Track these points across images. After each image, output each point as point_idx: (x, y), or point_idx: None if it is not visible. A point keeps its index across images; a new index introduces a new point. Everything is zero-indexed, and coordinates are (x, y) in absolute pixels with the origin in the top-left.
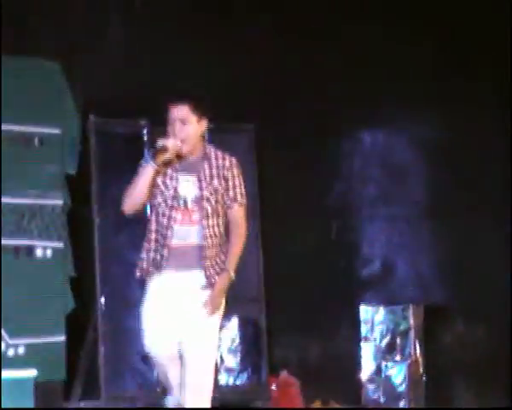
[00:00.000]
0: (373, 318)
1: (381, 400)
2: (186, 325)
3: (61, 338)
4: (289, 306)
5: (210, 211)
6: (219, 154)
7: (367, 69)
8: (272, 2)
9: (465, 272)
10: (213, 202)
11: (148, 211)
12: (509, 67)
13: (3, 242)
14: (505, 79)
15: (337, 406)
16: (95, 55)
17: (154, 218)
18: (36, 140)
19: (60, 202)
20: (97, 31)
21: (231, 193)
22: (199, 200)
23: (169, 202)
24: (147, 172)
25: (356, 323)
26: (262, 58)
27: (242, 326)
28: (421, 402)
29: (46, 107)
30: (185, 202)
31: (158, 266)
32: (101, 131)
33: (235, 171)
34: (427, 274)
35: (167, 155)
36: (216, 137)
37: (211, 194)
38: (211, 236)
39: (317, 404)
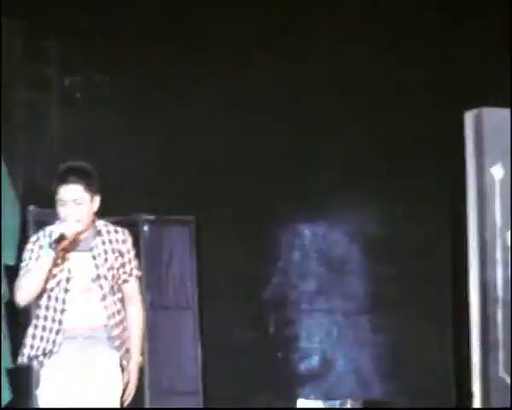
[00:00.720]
0: None
1: None
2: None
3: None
4: (228, 399)
5: (108, 289)
6: (111, 228)
7: (309, 161)
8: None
9: (404, 366)
10: (110, 279)
11: None
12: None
13: None
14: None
15: None
16: (35, 144)
17: (44, 303)
18: None
19: None
20: (37, 119)
21: (127, 267)
22: (96, 279)
23: (63, 284)
24: (45, 262)
25: None
26: (199, 144)
27: None
28: None
29: None
30: (81, 283)
31: (48, 353)
32: (40, 221)
33: (129, 244)
34: (365, 368)
35: (66, 242)
36: (156, 228)
37: (108, 271)
38: (114, 314)
39: None
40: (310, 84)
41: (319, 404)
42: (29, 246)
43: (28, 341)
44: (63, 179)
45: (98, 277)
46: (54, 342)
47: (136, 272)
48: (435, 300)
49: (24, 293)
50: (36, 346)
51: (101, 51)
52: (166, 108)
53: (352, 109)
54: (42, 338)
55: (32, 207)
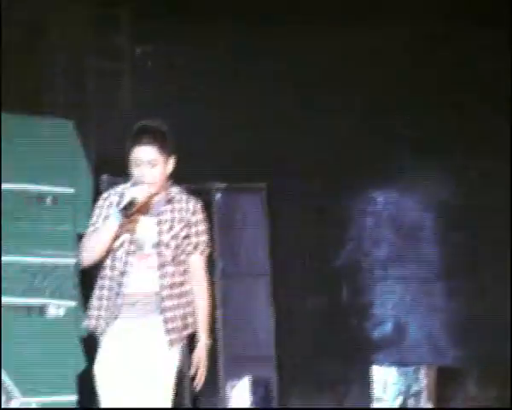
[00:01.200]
0: (385, 379)
1: None
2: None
3: (73, 398)
4: (302, 367)
5: (169, 258)
6: (184, 196)
7: (381, 129)
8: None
9: (478, 333)
10: (173, 249)
11: None
12: None
13: (16, 300)
14: None
15: None
16: (107, 114)
17: (109, 263)
18: (48, 199)
19: (72, 261)
20: (109, 89)
21: (193, 239)
22: (157, 245)
23: (126, 246)
24: (113, 225)
25: (368, 384)
26: (273, 116)
27: (254, 386)
28: None
29: (59, 166)
30: (143, 247)
31: (111, 315)
32: None
33: (199, 216)
34: (439, 335)
35: (136, 207)
36: (228, 196)
37: (171, 239)
38: (170, 286)
39: None
40: (379, 55)
41: (393, 371)
42: (99, 203)
43: (94, 302)
44: (138, 140)
45: (159, 243)
46: (115, 305)
47: (202, 248)
48: (509, 265)
49: (89, 253)
50: (103, 307)
51: (172, 20)
52: (237, 77)
53: (420, 77)
54: (105, 299)
55: (104, 177)
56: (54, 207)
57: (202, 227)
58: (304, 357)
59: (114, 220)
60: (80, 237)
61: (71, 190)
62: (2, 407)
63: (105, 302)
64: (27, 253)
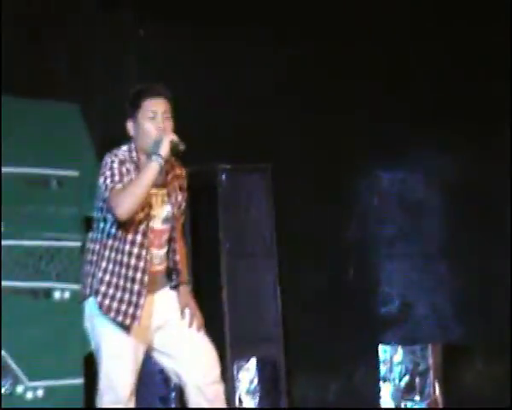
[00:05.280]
0: (392, 358)
1: None
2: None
3: (80, 381)
4: (308, 346)
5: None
6: (174, 162)
7: (384, 107)
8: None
9: (484, 309)
10: (177, 218)
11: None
12: None
13: (21, 284)
14: None
15: None
16: (111, 96)
17: (128, 238)
18: (54, 182)
19: (77, 244)
20: (113, 71)
21: (183, 205)
22: (169, 219)
23: (143, 221)
24: (153, 168)
25: (374, 363)
26: (276, 95)
27: (261, 367)
28: None
29: (64, 149)
30: (156, 221)
31: (134, 296)
32: None
33: (185, 181)
34: (445, 313)
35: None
36: (233, 177)
37: (177, 209)
38: (173, 255)
39: None
40: (391, 26)
41: (399, 348)
42: (115, 164)
43: (107, 277)
44: (151, 92)
45: (172, 216)
46: (141, 282)
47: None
48: None
49: (129, 204)
50: (120, 286)
51: None
52: (242, 54)
53: (426, 53)
54: (123, 277)
55: None
56: (59, 190)
57: (185, 192)
58: (310, 336)
59: (155, 166)
60: (87, 219)
61: (76, 174)
62: (10, 391)
63: (122, 282)
64: (32, 236)
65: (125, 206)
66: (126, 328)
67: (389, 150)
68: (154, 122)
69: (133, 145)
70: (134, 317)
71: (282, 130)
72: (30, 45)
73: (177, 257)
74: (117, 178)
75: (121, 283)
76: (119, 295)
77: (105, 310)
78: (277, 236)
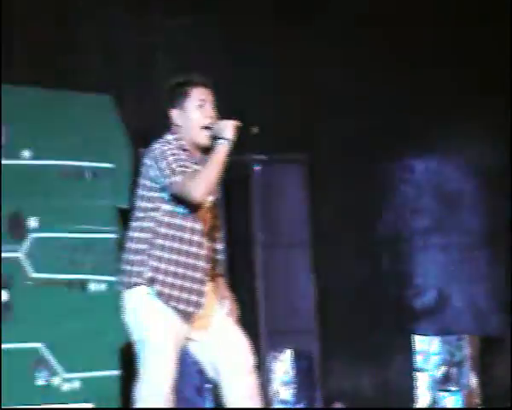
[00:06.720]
0: (428, 348)
1: None
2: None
3: (116, 372)
4: (343, 337)
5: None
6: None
7: (420, 97)
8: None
9: None
10: None
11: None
12: None
13: (57, 277)
14: None
15: None
16: (145, 88)
17: (182, 225)
18: (88, 174)
19: (112, 236)
20: (146, 63)
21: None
22: (212, 206)
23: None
24: (223, 152)
25: (410, 353)
26: (314, 86)
27: (296, 358)
28: None
29: (98, 141)
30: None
31: (197, 282)
32: None
33: None
34: (482, 304)
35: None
36: (267, 167)
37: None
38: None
39: None
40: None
41: (435, 340)
42: (175, 151)
43: (174, 282)
44: (200, 81)
45: (213, 202)
46: (201, 281)
47: None
48: None
49: (205, 189)
50: (179, 274)
51: None
52: (274, 46)
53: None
54: (188, 278)
55: (143, 150)
56: (93, 182)
57: None
58: (346, 327)
59: (224, 149)
60: (121, 211)
61: (110, 165)
62: (45, 382)
63: (181, 270)
64: (68, 229)
65: (201, 190)
66: (188, 316)
67: (425, 140)
68: (203, 111)
69: (178, 134)
70: (197, 304)
71: (316, 119)
72: (62, 38)
73: (219, 246)
74: (182, 163)
75: (180, 271)
76: (178, 283)
77: (165, 299)
78: (312, 226)
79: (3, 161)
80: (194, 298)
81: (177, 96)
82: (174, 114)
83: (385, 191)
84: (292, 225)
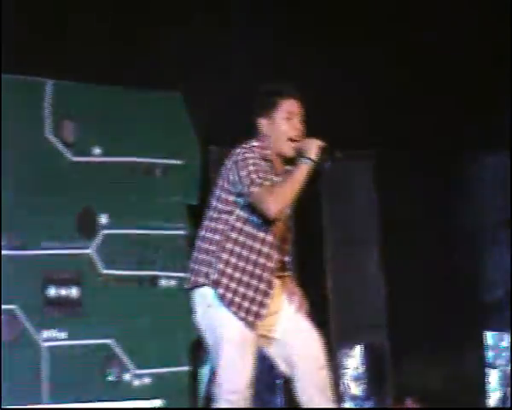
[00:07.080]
0: (499, 344)
1: None
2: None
3: (186, 368)
4: (413, 332)
5: None
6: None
7: (487, 92)
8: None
9: None
10: None
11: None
12: None
13: (128, 273)
14: None
15: None
16: (215, 86)
17: (253, 233)
18: (158, 171)
19: (182, 232)
20: (216, 60)
21: None
22: (285, 218)
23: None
24: (305, 171)
25: (481, 349)
26: (382, 83)
27: (366, 353)
28: None
29: (168, 138)
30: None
31: (260, 293)
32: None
33: None
34: None
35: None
36: (337, 164)
37: None
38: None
39: None
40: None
41: (506, 335)
42: (256, 160)
43: (245, 292)
44: (290, 92)
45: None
46: (268, 281)
47: None
48: None
49: (281, 206)
50: (252, 299)
51: None
52: (350, 44)
53: None
54: (258, 291)
55: (213, 148)
56: (163, 179)
57: None
58: (416, 323)
59: (305, 168)
60: (191, 208)
61: (180, 162)
62: (116, 378)
63: (246, 278)
64: (138, 225)
65: (277, 206)
66: (248, 325)
67: (495, 136)
68: (291, 123)
69: (265, 143)
70: (257, 315)
71: (386, 116)
72: (132, 35)
73: (287, 258)
74: (262, 174)
75: (245, 279)
76: (242, 290)
77: (227, 303)
78: (382, 223)
79: (74, 158)
80: (254, 308)
81: (265, 105)
82: (262, 122)
83: (455, 187)
84: (362, 222)
